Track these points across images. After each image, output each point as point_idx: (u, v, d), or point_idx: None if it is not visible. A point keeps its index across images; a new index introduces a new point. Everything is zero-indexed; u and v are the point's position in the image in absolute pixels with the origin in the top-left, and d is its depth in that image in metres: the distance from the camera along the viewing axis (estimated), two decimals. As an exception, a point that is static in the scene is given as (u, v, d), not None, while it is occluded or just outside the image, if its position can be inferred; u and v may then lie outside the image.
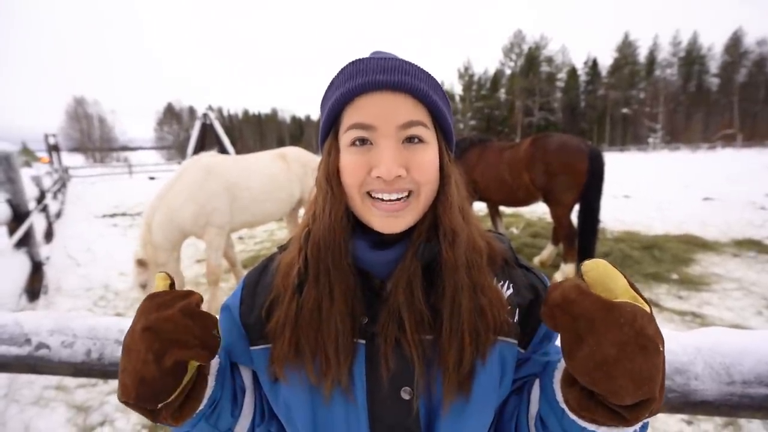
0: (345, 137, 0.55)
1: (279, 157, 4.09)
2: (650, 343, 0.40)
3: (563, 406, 0.48)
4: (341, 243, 0.55)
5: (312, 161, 4.32)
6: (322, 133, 0.60)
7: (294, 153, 4.26)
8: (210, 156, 3.61)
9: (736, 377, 0.70)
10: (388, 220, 0.53)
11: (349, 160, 0.54)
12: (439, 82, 0.58)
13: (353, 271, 0.55)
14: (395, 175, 0.51)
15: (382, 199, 0.53)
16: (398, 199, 0.53)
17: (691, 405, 0.71)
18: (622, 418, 0.42)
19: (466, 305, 0.54)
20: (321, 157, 0.60)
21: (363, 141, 0.53)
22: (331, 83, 0.57)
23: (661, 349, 0.41)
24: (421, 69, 0.55)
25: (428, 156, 0.54)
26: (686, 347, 0.73)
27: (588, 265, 0.45)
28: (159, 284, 0.53)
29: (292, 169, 4.06)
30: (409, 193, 0.54)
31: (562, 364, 0.52)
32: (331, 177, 0.56)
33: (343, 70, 0.56)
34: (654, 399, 0.41)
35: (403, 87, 0.52)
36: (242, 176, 3.58)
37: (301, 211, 4.52)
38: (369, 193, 0.54)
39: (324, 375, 0.54)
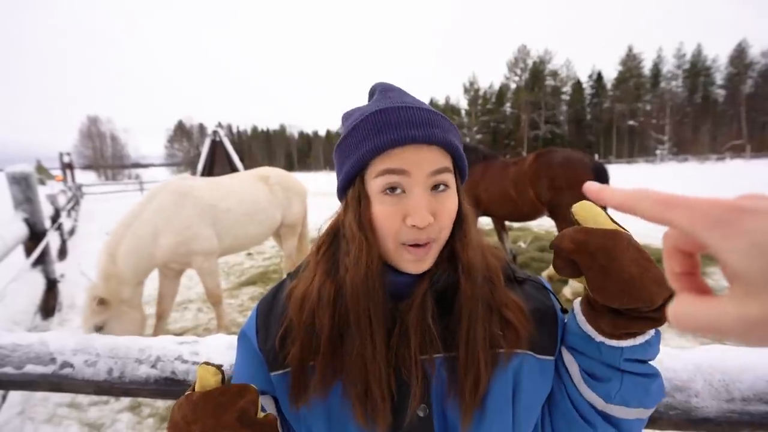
0: (375, 183, 0.56)
1: (260, 178, 3.91)
2: (647, 254, 0.51)
3: (601, 339, 0.55)
4: (380, 290, 0.57)
5: (295, 186, 4.12)
6: (345, 180, 0.60)
7: (277, 176, 4.01)
8: (181, 179, 3.36)
9: (735, 394, 0.71)
10: (415, 264, 0.58)
11: (384, 210, 0.56)
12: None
13: (389, 309, 0.58)
14: (427, 223, 0.54)
15: (413, 246, 0.57)
16: (424, 246, 0.57)
17: (692, 422, 0.73)
18: (654, 320, 0.51)
19: (482, 333, 0.57)
20: (345, 202, 0.62)
21: (393, 188, 0.56)
22: (353, 131, 0.58)
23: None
24: (444, 118, 0.59)
25: (452, 202, 0.58)
26: (686, 364, 0.75)
27: (576, 206, 0.56)
28: (209, 379, 0.50)
29: (275, 192, 3.88)
30: (432, 240, 0.58)
31: (578, 310, 0.59)
32: (364, 225, 0.57)
33: (367, 119, 0.57)
34: (674, 292, 0.48)
35: (435, 140, 0.55)
36: (220, 198, 3.33)
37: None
38: (402, 243, 0.57)
39: (365, 413, 0.56)
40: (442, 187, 0.57)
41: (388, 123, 0.55)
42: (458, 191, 0.61)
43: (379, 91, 0.63)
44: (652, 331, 0.55)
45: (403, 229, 0.56)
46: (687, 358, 0.76)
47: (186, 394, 0.50)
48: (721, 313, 0.22)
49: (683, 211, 0.24)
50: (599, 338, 0.55)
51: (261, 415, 0.50)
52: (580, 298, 0.60)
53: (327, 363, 0.57)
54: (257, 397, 0.50)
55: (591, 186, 0.31)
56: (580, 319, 0.58)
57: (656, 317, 0.51)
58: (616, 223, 0.54)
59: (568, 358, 0.61)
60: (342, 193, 0.63)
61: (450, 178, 0.58)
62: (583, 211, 0.55)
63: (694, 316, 0.24)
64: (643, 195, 0.26)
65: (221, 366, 0.53)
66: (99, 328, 2.68)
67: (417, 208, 0.54)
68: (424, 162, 0.55)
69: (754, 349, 0.77)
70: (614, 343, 0.54)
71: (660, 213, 0.25)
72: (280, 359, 0.61)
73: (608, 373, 0.56)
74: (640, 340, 0.54)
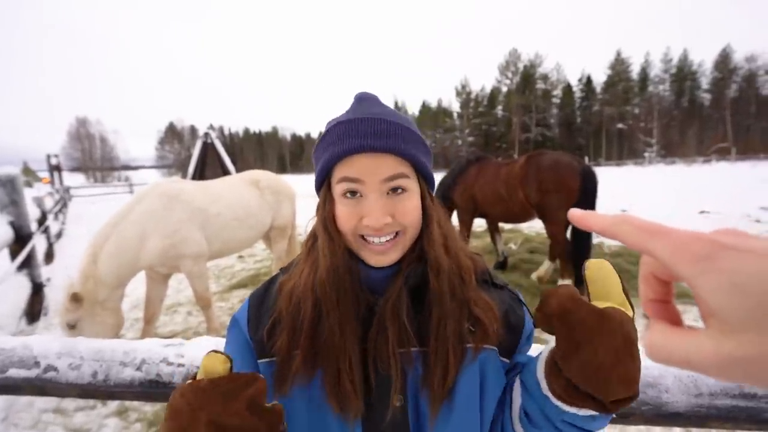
0: (337, 188, 0.62)
1: (251, 182, 3.92)
2: (635, 348, 0.47)
3: (547, 393, 0.54)
4: (345, 281, 0.62)
5: (285, 189, 4.15)
6: (316, 183, 0.68)
7: (267, 180, 4.04)
8: (170, 182, 3.32)
9: (703, 390, 0.75)
10: (378, 257, 0.62)
11: (343, 211, 0.62)
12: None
13: (360, 299, 0.62)
14: (383, 224, 0.59)
15: (373, 242, 0.61)
16: (387, 242, 0.61)
17: (663, 417, 0.76)
18: (605, 407, 0.49)
19: (452, 328, 0.61)
20: (318, 203, 0.68)
21: (353, 193, 0.61)
22: (323, 138, 0.65)
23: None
24: (404, 126, 0.63)
25: (411, 203, 0.62)
26: (657, 362, 0.78)
27: (592, 263, 0.51)
28: (217, 367, 0.48)
29: (265, 196, 3.90)
30: (397, 233, 0.62)
31: (544, 356, 0.57)
32: (328, 224, 0.64)
33: (334, 128, 0.63)
34: (637, 395, 0.48)
35: (387, 149, 0.60)
36: (210, 202, 3.32)
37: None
38: (362, 236, 0.62)
39: (337, 396, 0.59)
40: (399, 190, 0.62)
41: (347, 133, 0.61)
42: (423, 194, 0.65)
43: (356, 100, 0.68)
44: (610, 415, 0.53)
45: (359, 226, 0.61)
46: (658, 356, 0.79)
47: (189, 382, 0.49)
48: (696, 349, 0.22)
49: (664, 241, 0.24)
50: (546, 392, 0.55)
51: (269, 404, 0.50)
52: (552, 346, 0.56)
53: (309, 348, 0.61)
54: (265, 386, 0.49)
55: (574, 212, 0.31)
56: (540, 365, 0.57)
57: (609, 408, 0.49)
58: (627, 295, 0.50)
59: (516, 390, 0.62)
60: (318, 192, 0.69)
61: (407, 183, 0.62)
62: (595, 271, 0.50)
63: (668, 348, 0.24)
64: (625, 220, 0.27)
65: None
66: (72, 327, 2.62)
67: (371, 211, 0.60)
68: (378, 169, 0.60)
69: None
70: (558, 403, 0.53)
71: (641, 241, 0.25)
72: (267, 348, 0.64)
73: (544, 423, 0.56)
74: (584, 412, 0.52)
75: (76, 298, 2.59)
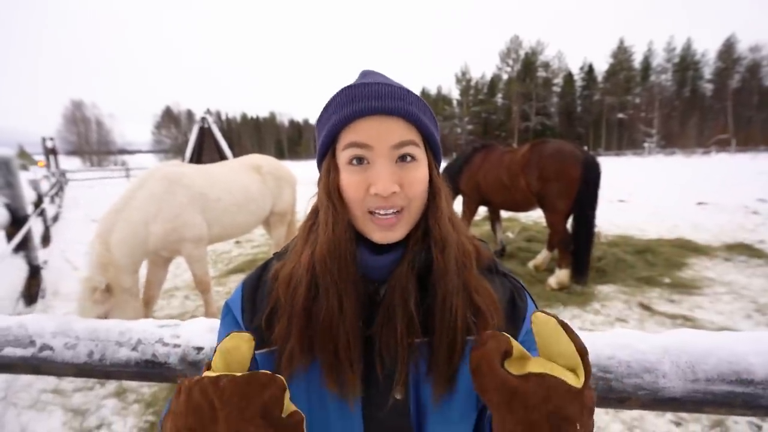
0: (343, 155, 0.59)
1: (253, 168, 3.91)
2: (565, 423, 0.40)
3: None
4: (347, 255, 0.59)
5: (286, 175, 4.15)
6: (320, 152, 0.64)
7: (269, 165, 4.05)
8: (172, 165, 3.28)
9: (700, 375, 0.75)
10: (384, 233, 0.59)
11: (350, 179, 0.59)
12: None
13: (360, 280, 0.60)
14: (391, 192, 0.56)
15: (379, 214, 0.58)
16: (393, 214, 0.58)
17: (659, 401, 0.76)
18: None
19: (460, 306, 0.58)
20: (320, 174, 0.65)
21: (360, 160, 0.58)
22: (327, 106, 0.62)
23: (579, 427, 0.41)
24: (412, 93, 0.61)
25: (420, 173, 0.59)
26: (655, 347, 0.78)
27: (537, 318, 0.43)
28: (242, 346, 0.46)
29: (266, 182, 3.90)
30: (401, 208, 0.59)
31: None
32: (332, 193, 0.60)
33: (339, 94, 0.60)
34: None
35: (396, 112, 0.57)
36: (210, 186, 3.32)
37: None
38: (369, 210, 0.59)
39: (336, 380, 0.57)
40: (408, 158, 0.59)
41: (353, 97, 0.58)
42: (430, 166, 0.62)
43: (360, 75, 0.66)
44: None
45: (368, 197, 0.58)
46: (656, 341, 0.79)
47: (209, 376, 0.44)
48: None
49: None
50: None
51: (290, 409, 0.44)
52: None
53: (303, 330, 0.58)
54: (282, 392, 0.43)
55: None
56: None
57: None
58: (582, 354, 0.42)
59: None
60: (319, 165, 0.65)
61: (416, 150, 0.60)
62: (540, 327, 0.43)
63: None
64: None
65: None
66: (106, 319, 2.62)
67: (379, 177, 0.57)
68: (386, 134, 0.57)
69: (718, 333, 0.80)
70: None
71: None
72: (266, 338, 0.61)
73: None
74: None
75: (108, 289, 2.59)
